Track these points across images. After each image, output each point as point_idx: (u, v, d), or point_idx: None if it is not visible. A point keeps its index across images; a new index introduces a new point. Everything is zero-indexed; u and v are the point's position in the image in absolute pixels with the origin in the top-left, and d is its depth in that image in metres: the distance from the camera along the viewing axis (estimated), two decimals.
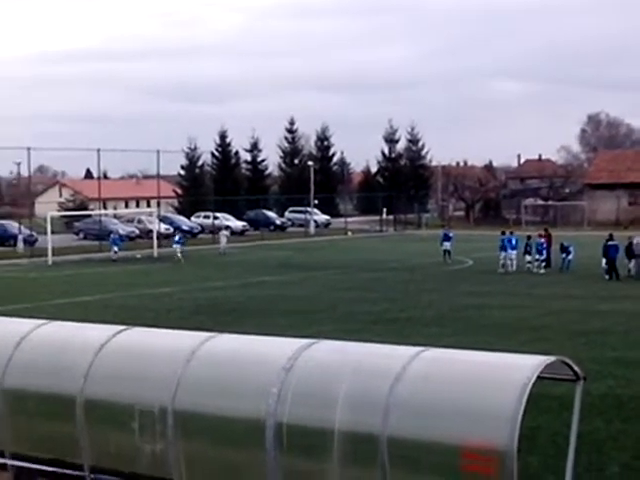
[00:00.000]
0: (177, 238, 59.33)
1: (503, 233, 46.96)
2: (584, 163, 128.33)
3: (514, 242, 45.50)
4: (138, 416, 11.13)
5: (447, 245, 51.92)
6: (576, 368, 10.14)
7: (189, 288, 39.21)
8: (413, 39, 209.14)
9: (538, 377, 9.28)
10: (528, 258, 44.86)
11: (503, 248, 45.30)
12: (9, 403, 12.37)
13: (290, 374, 10.26)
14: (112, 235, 60.07)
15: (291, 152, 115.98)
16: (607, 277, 40.85)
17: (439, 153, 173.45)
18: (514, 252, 45.21)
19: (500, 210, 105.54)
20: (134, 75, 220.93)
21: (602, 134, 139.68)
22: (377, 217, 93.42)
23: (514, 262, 44.89)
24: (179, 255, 55.75)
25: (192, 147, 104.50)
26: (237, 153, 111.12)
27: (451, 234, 53.20)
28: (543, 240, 45.60)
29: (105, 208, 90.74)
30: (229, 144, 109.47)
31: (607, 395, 17.45)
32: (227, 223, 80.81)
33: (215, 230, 72.36)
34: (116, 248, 57.35)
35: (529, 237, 46.25)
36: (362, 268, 48.23)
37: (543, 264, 44.43)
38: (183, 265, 52.37)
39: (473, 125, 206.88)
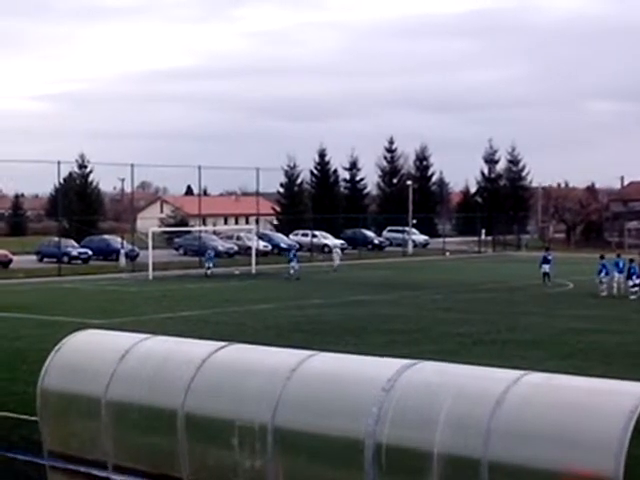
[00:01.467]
0: (292, 255, 58.15)
1: (602, 257, 46.03)
2: None
3: (621, 265, 44.71)
4: (238, 432, 11.22)
5: (546, 267, 51.26)
6: None
7: (287, 305, 39.42)
8: (513, 60, 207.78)
9: None
10: (630, 283, 43.97)
11: (602, 271, 44.62)
12: (112, 415, 12.58)
13: (390, 394, 10.24)
14: (207, 252, 60.76)
15: (390, 171, 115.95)
16: None
17: (539, 174, 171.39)
18: (621, 275, 44.45)
19: (602, 233, 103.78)
20: (234, 93, 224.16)
21: None
22: (475, 238, 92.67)
23: (621, 286, 44.17)
24: (292, 272, 55.26)
25: (291, 165, 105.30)
26: (336, 171, 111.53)
27: (550, 256, 52.53)
28: (636, 265, 44.49)
29: (205, 224, 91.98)
30: (328, 162, 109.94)
31: None
32: (325, 241, 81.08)
33: (313, 248, 72.58)
34: (210, 264, 57.93)
35: (631, 260, 45.34)
36: (460, 289, 47.88)
37: (636, 289, 43.30)
38: (294, 282, 52.36)
39: (574, 146, 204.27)
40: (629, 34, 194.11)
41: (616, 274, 44.44)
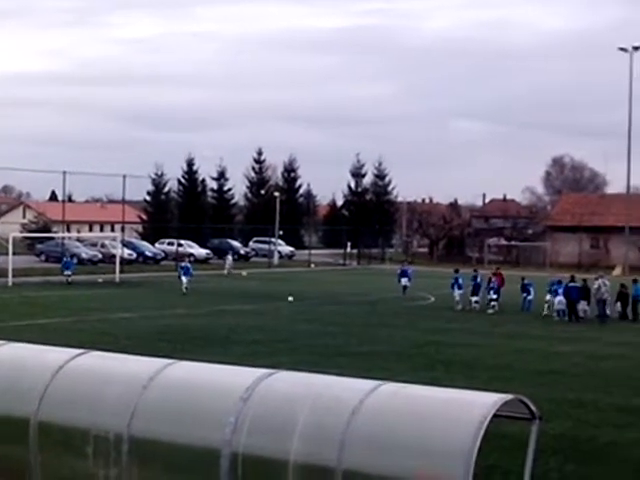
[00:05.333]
0: (184, 269, 51.91)
1: (456, 271, 47.12)
2: (548, 205, 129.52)
3: (460, 281, 45.67)
4: (93, 441, 11.03)
5: (405, 281, 52.94)
6: (532, 407, 10.19)
7: (150, 314, 39.00)
8: (381, 77, 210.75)
9: (494, 415, 9.31)
10: (475, 298, 45.01)
11: (455, 286, 45.71)
12: None
13: (248, 404, 10.23)
14: (64, 259, 59.48)
15: (258, 182, 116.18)
16: (566, 319, 41.16)
17: (405, 189, 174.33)
18: (460, 291, 45.48)
19: (464, 248, 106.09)
20: (104, 100, 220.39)
21: (566, 177, 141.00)
22: (341, 250, 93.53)
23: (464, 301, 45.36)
24: (185, 288, 50.34)
25: (159, 173, 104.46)
26: (204, 181, 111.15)
27: (409, 270, 54.16)
28: (494, 279, 45.58)
29: (69, 231, 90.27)
30: (196, 172, 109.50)
31: (563, 436, 17.51)
32: (191, 250, 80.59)
33: (178, 257, 72.14)
34: (69, 271, 56.61)
35: (494, 274, 46.38)
36: (324, 301, 48.22)
37: (494, 303, 44.39)
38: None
39: (440, 163, 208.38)
40: (493, 56, 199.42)
41: (457, 290, 45.48)
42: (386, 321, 38.86)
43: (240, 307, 43.32)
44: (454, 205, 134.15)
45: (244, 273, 70.44)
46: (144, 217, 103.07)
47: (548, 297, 43.29)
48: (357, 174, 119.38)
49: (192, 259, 70.93)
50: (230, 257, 73.19)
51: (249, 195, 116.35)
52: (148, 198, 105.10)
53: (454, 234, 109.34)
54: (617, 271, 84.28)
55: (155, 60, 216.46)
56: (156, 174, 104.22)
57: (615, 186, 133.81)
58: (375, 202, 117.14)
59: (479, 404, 9.41)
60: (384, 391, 10.03)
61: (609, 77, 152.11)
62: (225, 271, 69.69)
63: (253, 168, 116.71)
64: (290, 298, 46.84)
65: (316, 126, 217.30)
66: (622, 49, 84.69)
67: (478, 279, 45.69)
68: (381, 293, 53.65)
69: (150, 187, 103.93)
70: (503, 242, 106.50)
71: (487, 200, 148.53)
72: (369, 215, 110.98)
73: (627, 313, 41.88)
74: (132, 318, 37.56)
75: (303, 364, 23.51)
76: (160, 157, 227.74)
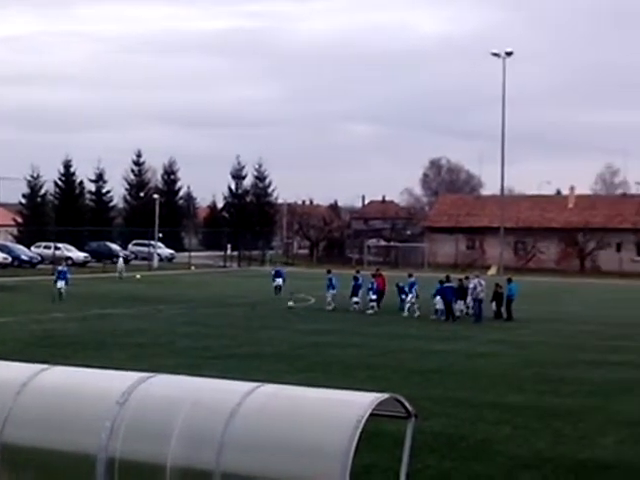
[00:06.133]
0: (61, 273, 49.82)
1: (329, 272, 47.51)
2: (426, 206, 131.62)
3: (334, 281, 46.07)
4: None
5: (279, 281, 54.11)
6: (408, 405, 10.33)
7: (26, 319, 38.16)
8: (264, 79, 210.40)
9: (371, 414, 9.41)
10: (355, 299, 45.44)
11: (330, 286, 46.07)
12: None
13: (124, 408, 10.11)
14: None
15: (137, 184, 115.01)
16: (443, 318, 41.86)
17: (285, 191, 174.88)
18: (333, 292, 45.86)
19: (344, 249, 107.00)
20: None
21: (443, 179, 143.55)
22: (222, 252, 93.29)
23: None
24: (61, 292, 48.27)
25: (34, 175, 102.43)
26: (82, 183, 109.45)
27: (283, 270, 56.25)
28: (374, 280, 45.98)
29: None
30: (73, 174, 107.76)
31: (440, 433, 17.81)
32: (68, 254, 79.27)
33: (56, 261, 70.87)
34: None
35: (374, 275, 46.79)
36: (204, 303, 48.01)
37: (373, 304, 44.82)
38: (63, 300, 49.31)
39: (320, 165, 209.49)
40: (374, 60, 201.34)
41: (330, 291, 45.84)
42: (266, 323, 38.90)
43: (120, 311, 42.79)
44: (334, 207, 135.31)
45: (138, 276, 69.64)
46: (19, 220, 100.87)
47: (404, 297, 44.23)
48: (237, 176, 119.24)
49: (70, 262, 70.00)
50: (122, 260, 72.67)
51: (128, 197, 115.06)
52: (24, 201, 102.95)
53: (334, 236, 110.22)
54: (492, 271, 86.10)
55: (29, 59, 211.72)
56: (32, 176, 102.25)
57: (490, 187, 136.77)
58: (255, 204, 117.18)
59: (356, 404, 9.50)
60: (262, 393, 10.04)
61: (484, 81, 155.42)
62: (117, 274, 68.77)
63: (132, 170, 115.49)
64: (290, 303, 46.29)
65: (196, 128, 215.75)
66: (495, 54, 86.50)
67: (359, 280, 46.09)
68: (261, 295, 53.69)
69: (26, 189, 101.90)
70: (382, 243, 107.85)
71: (366, 202, 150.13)
72: (249, 217, 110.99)
73: (502, 312, 42.84)
74: (7, 323, 36.70)
75: (183, 367, 23.36)
76: (37, 159, 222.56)
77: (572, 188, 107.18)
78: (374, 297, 44.87)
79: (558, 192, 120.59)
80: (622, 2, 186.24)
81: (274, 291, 53.54)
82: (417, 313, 43.06)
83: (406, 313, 43.23)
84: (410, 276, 45.79)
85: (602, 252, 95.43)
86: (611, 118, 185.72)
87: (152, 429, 9.98)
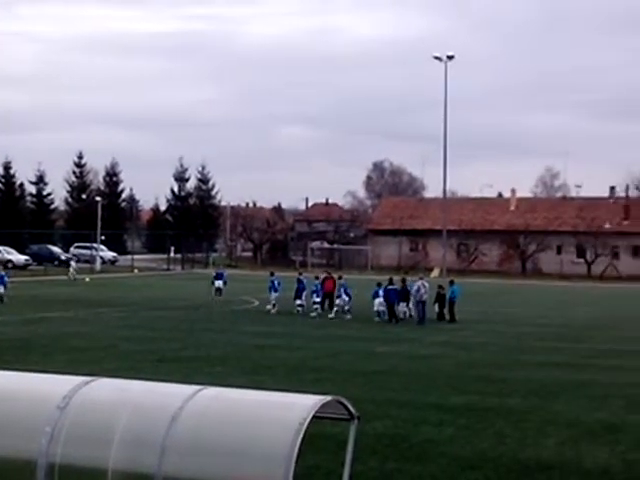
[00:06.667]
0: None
1: (272, 274, 47.54)
2: (369, 209, 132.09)
3: (276, 284, 45.91)
4: None
5: (219, 283, 54.52)
6: (350, 408, 10.34)
7: None
8: (206, 82, 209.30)
9: (315, 417, 9.41)
10: (298, 301, 45.42)
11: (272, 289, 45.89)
12: None
13: (64, 412, 9.99)
14: None
15: (79, 187, 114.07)
16: (386, 319, 42.00)
17: (229, 194, 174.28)
18: (276, 294, 45.78)
19: (287, 252, 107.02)
20: None
21: (386, 181, 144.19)
22: (165, 255, 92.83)
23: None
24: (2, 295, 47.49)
25: None
26: (22, 185, 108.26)
27: (224, 273, 56.66)
28: (318, 282, 45.86)
29: None
30: (13, 176, 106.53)
31: (383, 435, 17.86)
32: (9, 257, 78.34)
33: None
34: None
35: (300, 280, 46.61)
36: (147, 306, 47.72)
37: (317, 307, 44.68)
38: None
39: (264, 168, 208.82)
40: (318, 63, 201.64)
41: (273, 293, 45.83)
42: (210, 325, 38.76)
43: (61, 314, 42.36)
44: (278, 209, 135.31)
45: (87, 279, 69.16)
46: None
47: (337, 301, 44.48)
48: (181, 178, 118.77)
49: (10, 266, 69.28)
50: (74, 263, 73.03)
51: (70, 200, 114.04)
52: None
53: (277, 238, 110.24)
54: (435, 273, 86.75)
55: None
56: None
57: (433, 190, 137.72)
58: (199, 206, 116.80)
59: (298, 406, 9.49)
60: (204, 396, 9.99)
61: (427, 84, 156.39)
62: (71, 277, 69.19)
63: (74, 172, 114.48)
64: (268, 307, 45.85)
65: (139, 130, 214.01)
66: (437, 58, 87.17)
67: (304, 282, 46.08)
68: (205, 298, 53.49)
69: None
70: (326, 246, 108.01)
71: (310, 204, 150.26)
72: (193, 220, 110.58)
73: (444, 314, 43.12)
74: None
75: (125, 371, 23.21)
76: None
77: (513, 191, 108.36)
78: (318, 299, 44.87)
79: (500, 195, 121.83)
80: (557, 10, 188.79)
81: (214, 293, 53.73)
82: (348, 316, 43.04)
83: (332, 314, 43.36)
84: (339, 278, 46.00)
85: (543, 254, 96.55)
86: (551, 122, 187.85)
87: (93, 433, 9.88)
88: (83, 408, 10.08)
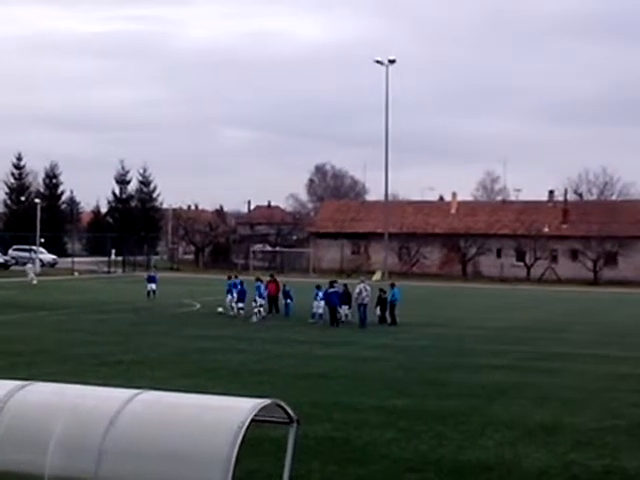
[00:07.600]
0: None
1: (229, 277, 47.56)
2: (311, 212, 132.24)
3: (238, 286, 45.94)
4: None
5: (152, 286, 55.55)
6: (289, 411, 10.31)
7: None
8: (146, 83, 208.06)
9: (254, 420, 9.36)
10: (240, 305, 45.29)
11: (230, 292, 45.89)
12: None
13: (0, 418, 9.83)
14: None
15: (17, 189, 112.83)
16: (322, 322, 42.06)
17: (170, 196, 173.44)
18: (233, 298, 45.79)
19: (230, 255, 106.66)
20: None
21: (328, 184, 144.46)
22: (106, 258, 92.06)
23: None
24: None
25: None
26: None
27: (157, 275, 58.41)
28: (259, 284, 45.63)
29: None
30: None
31: (324, 438, 17.85)
32: None
33: None
34: None
35: (241, 283, 46.53)
36: (87, 309, 47.27)
37: (257, 309, 44.38)
38: None
39: (206, 170, 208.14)
40: (260, 66, 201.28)
41: (229, 296, 45.73)
42: (151, 329, 38.50)
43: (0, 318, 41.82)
44: (220, 212, 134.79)
45: (35, 282, 68.65)
46: None
47: (289, 301, 45.06)
48: (122, 181, 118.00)
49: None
50: (31, 265, 73.59)
51: (8, 202, 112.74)
52: None
53: (220, 241, 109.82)
54: (377, 276, 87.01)
55: None
56: None
57: (375, 193, 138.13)
58: (140, 209, 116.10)
59: (237, 410, 9.43)
60: (142, 400, 9.89)
61: (368, 88, 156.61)
62: (33, 281, 69.16)
63: (12, 174, 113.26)
64: (220, 309, 45.91)
65: (79, 131, 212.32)
66: (378, 62, 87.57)
67: (244, 285, 45.96)
68: (146, 301, 53.14)
69: None
70: (268, 248, 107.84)
71: (252, 207, 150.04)
72: (134, 222, 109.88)
73: (386, 317, 43.24)
74: None
75: (65, 374, 22.96)
76: None
77: (454, 194, 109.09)
78: (261, 302, 44.72)
79: (441, 198, 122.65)
80: (500, 13, 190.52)
81: (147, 295, 54.67)
82: (254, 318, 42.95)
83: (255, 319, 43.18)
84: (257, 280, 46.03)
85: (483, 257, 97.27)
86: (492, 127, 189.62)
87: (29, 438, 9.72)
88: (19, 412, 9.91)
